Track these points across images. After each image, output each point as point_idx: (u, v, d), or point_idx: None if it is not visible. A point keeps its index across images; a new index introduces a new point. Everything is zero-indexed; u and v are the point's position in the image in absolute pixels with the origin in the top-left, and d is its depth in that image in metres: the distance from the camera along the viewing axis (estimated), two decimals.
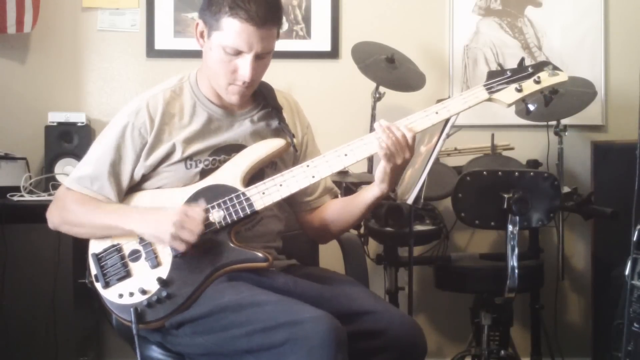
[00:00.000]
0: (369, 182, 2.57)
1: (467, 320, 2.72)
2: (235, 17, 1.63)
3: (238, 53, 1.68)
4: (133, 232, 1.68)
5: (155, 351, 1.75)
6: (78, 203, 1.74)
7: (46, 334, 2.57)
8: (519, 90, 1.69)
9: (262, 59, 1.71)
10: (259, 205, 1.69)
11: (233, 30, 1.65)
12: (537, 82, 1.70)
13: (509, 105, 1.71)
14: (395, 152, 1.65)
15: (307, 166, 1.71)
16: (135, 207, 1.75)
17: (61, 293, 2.58)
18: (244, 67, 1.68)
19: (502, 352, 2.56)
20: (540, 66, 1.72)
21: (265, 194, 1.70)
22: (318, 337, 1.45)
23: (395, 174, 1.70)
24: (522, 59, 1.74)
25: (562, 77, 1.71)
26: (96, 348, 2.98)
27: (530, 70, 1.71)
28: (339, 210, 1.88)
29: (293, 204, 1.94)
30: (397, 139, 1.64)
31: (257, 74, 1.73)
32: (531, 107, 1.73)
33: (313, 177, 1.70)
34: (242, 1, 1.63)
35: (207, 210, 1.66)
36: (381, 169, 1.69)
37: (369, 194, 1.78)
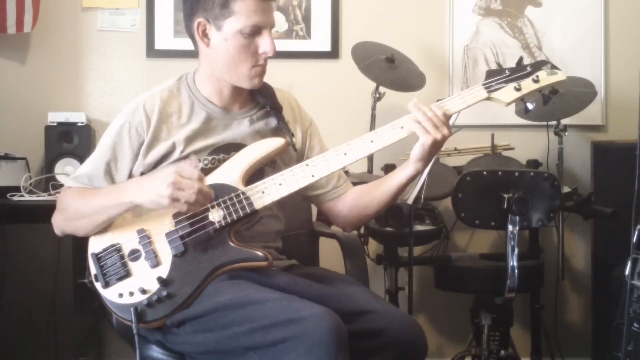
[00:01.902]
0: (368, 182, 2.57)
1: (467, 320, 2.72)
2: None
3: (256, 32, 1.71)
4: (132, 203, 1.65)
5: (155, 350, 1.75)
6: (76, 196, 1.75)
7: (46, 334, 2.57)
8: (518, 89, 1.69)
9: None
10: (258, 204, 1.69)
11: (249, 8, 1.69)
12: (536, 81, 1.70)
13: (508, 104, 1.71)
14: (433, 127, 1.65)
15: (307, 165, 1.71)
16: (130, 180, 1.75)
17: (61, 293, 2.58)
18: (266, 41, 1.72)
19: (502, 352, 2.56)
20: (538, 65, 1.72)
21: (265, 193, 1.70)
22: (319, 335, 1.45)
23: (433, 150, 1.69)
24: (521, 58, 1.74)
25: (560, 76, 1.71)
26: (96, 348, 2.98)
27: (528, 69, 1.71)
28: (371, 192, 1.87)
29: (311, 198, 1.94)
30: (430, 115, 1.65)
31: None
32: (530, 106, 1.73)
33: (312, 176, 1.70)
34: None
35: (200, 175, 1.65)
36: (419, 146, 1.68)
37: (403, 174, 1.77)
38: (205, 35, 1.75)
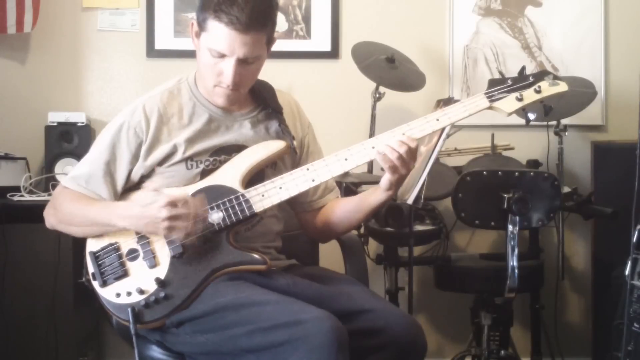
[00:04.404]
0: (369, 182, 2.57)
1: (467, 320, 2.72)
2: (217, 20, 1.64)
3: (222, 56, 1.67)
4: (125, 229, 1.68)
5: (155, 351, 1.75)
6: (71, 201, 1.75)
7: (46, 334, 2.57)
8: (520, 100, 1.69)
9: (248, 64, 1.69)
10: (258, 207, 1.69)
11: (216, 33, 1.65)
12: (538, 91, 1.69)
13: (509, 114, 1.70)
14: (400, 165, 1.65)
15: (307, 169, 1.71)
16: (118, 202, 1.75)
17: (61, 293, 2.58)
18: (227, 70, 1.68)
19: (502, 352, 2.56)
20: (541, 75, 1.71)
21: (265, 197, 1.70)
22: (319, 337, 1.45)
23: (400, 182, 1.71)
24: (523, 68, 1.73)
25: (562, 87, 1.70)
26: (96, 348, 2.98)
27: (531, 79, 1.71)
28: (344, 211, 1.88)
29: (294, 205, 1.94)
30: (400, 154, 1.64)
31: (243, 79, 1.72)
32: (531, 117, 1.73)
33: (313, 180, 1.70)
34: (226, 5, 1.62)
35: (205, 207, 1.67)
36: (386, 179, 1.69)
37: (374, 199, 1.77)
38: (196, 36, 1.74)
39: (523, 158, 2.91)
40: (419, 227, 2.57)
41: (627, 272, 1.95)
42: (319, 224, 1.93)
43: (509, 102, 1.70)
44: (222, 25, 1.63)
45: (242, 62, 1.67)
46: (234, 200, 1.69)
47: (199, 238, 1.65)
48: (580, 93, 2.72)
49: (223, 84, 1.71)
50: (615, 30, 3.16)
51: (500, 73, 1.75)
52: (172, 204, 1.61)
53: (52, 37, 3.07)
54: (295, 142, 1.85)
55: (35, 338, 2.60)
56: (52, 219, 1.79)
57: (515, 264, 2.31)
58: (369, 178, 2.67)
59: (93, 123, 2.98)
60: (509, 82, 1.71)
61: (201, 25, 1.68)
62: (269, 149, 1.77)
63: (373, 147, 1.69)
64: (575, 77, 2.81)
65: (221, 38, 1.64)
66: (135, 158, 1.76)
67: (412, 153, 1.65)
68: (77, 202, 1.74)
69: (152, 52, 3.08)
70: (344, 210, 1.88)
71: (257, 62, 1.72)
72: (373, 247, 2.84)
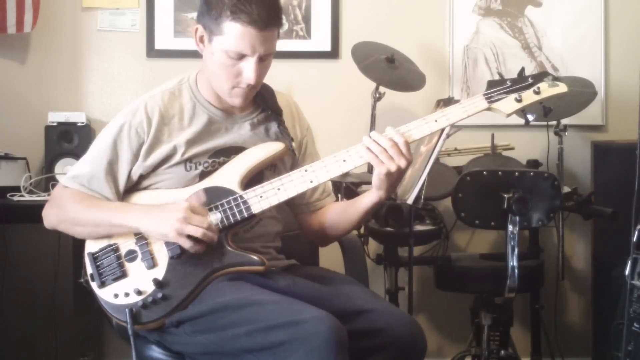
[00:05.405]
0: (369, 182, 2.57)
1: (467, 320, 2.72)
2: (237, 21, 1.63)
3: (241, 57, 1.67)
4: (138, 229, 1.68)
5: (155, 351, 1.75)
6: (76, 201, 1.74)
7: (46, 334, 2.58)
8: (519, 101, 1.68)
9: (264, 60, 1.71)
10: (256, 208, 1.69)
11: (235, 34, 1.64)
12: (537, 92, 1.68)
13: (508, 115, 1.70)
14: (386, 160, 1.63)
15: (306, 171, 1.70)
16: (138, 204, 1.75)
17: (61, 293, 2.59)
18: (249, 70, 1.68)
19: (502, 352, 2.56)
20: (540, 76, 1.70)
21: (263, 198, 1.70)
22: (318, 337, 1.45)
23: (391, 180, 1.67)
24: (523, 69, 1.73)
25: (562, 89, 1.69)
26: (96, 348, 2.98)
27: (530, 80, 1.70)
28: (339, 214, 1.88)
29: (292, 206, 1.94)
30: (383, 148, 1.63)
31: (261, 75, 1.73)
32: (530, 118, 1.72)
33: (311, 182, 1.70)
34: (243, 4, 1.62)
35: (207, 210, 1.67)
36: (375, 174, 1.67)
37: (367, 200, 1.77)
38: (201, 41, 1.74)
39: (523, 158, 2.91)
40: (419, 227, 2.58)
41: (627, 272, 1.95)
42: (315, 227, 1.93)
43: (508, 103, 1.69)
44: (242, 25, 1.63)
45: (260, 60, 1.69)
46: (232, 201, 1.69)
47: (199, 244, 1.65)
48: (580, 93, 2.72)
49: (242, 84, 1.71)
50: (615, 30, 3.16)
51: (500, 74, 1.75)
52: (192, 209, 1.62)
53: (52, 37, 3.07)
54: (294, 144, 1.85)
55: (35, 338, 2.60)
56: (52, 218, 1.79)
57: (515, 264, 2.31)
58: (369, 178, 2.64)
59: (93, 123, 2.98)
60: (508, 83, 1.70)
61: (213, 30, 1.67)
62: (268, 150, 1.77)
63: None
64: (575, 77, 2.81)
65: (242, 38, 1.64)
66: (135, 157, 1.75)
67: (402, 148, 1.62)
68: (83, 202, 1.73)
69: (152, 52, 3.08)
70: (338, 211, 1.88)
71: (270, 58, 1.73)
72: (373, 247, 2.84)
